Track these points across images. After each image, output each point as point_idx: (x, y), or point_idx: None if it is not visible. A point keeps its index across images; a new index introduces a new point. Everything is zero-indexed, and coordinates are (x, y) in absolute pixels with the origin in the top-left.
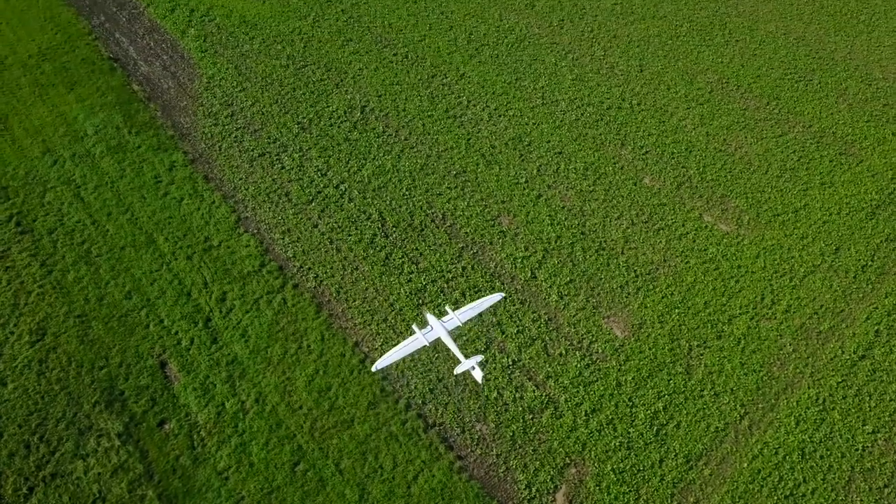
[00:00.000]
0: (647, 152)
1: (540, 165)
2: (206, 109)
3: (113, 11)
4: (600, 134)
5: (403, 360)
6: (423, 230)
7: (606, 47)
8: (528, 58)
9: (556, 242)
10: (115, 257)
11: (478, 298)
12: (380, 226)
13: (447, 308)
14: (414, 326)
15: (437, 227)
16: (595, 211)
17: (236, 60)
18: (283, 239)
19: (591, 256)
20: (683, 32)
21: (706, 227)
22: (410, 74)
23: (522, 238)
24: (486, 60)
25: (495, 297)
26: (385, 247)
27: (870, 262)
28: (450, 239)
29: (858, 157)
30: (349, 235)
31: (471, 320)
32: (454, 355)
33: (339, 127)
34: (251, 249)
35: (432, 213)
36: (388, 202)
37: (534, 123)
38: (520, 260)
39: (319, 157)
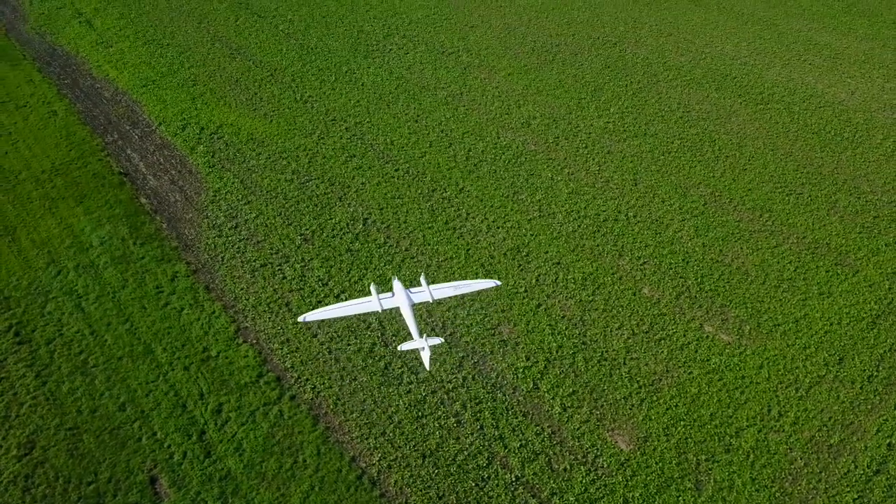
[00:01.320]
0: (644, 263)
1: (539, 275)
2: (211, 221)
3: (126, 129)
4: (598, 245)
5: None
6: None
7: (601, 162)
8: (524, 173)
9: (557, 352)
10: (111, 368)
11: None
12: (379, 335)
13: (421, 279)
14: (372, 287)
15: (437, 336)
16: (595, 321)
17: (242, 175)
18: (281, 349)
19: (593, 367)
20: (675, 149)
21: (707, 337)
22: (411, 189)
23: (523, 348)
24: (485, 175)
25: (489, 283)
26: (384, 356)
27: (875, 373)
28: (450, 348)
29: (854, 267)
30: (348, 345)
31: (456, 297)
32: (409, 330)
33: (341, 238)
34: (249, 360)
35: (432, 322)
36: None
37: (531, 235)
38: (521, 370)
39: (321, 266)
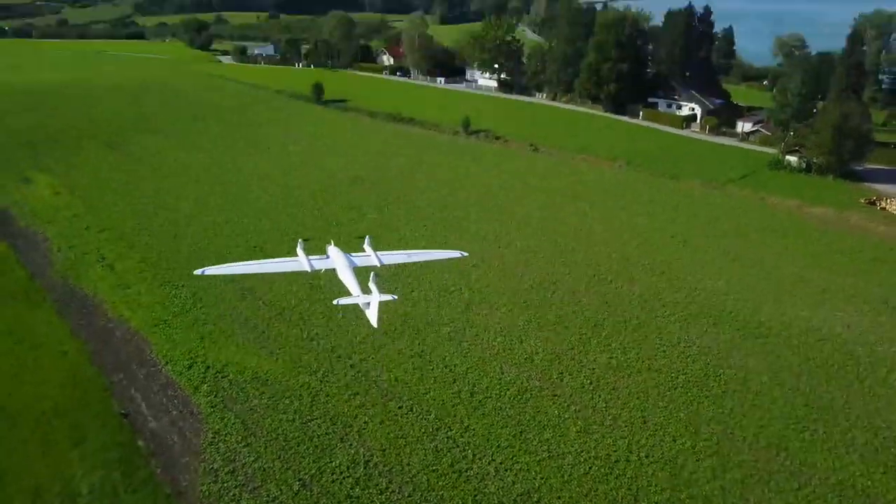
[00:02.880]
0: None
1: None
2: (208, 466)
3: (133, 369)
4: (611, 489)
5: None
6: None
7: (607, 399)
8: (531, 410)
9: None
10: None
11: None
12: None
13: (366, 245)
14: (299, 246)
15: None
16: None
17: (244, 415)
18: None
19: None
20: (680, 384)
21: None
22: (415, 427)
23: None
24: (490, 413)
25: (453, 254)
26: None
27: None
28: None
29: None
30: None
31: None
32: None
33: (340, 483)
34: None
35: None
36: None
37: (541, 478)
38: None
39: None
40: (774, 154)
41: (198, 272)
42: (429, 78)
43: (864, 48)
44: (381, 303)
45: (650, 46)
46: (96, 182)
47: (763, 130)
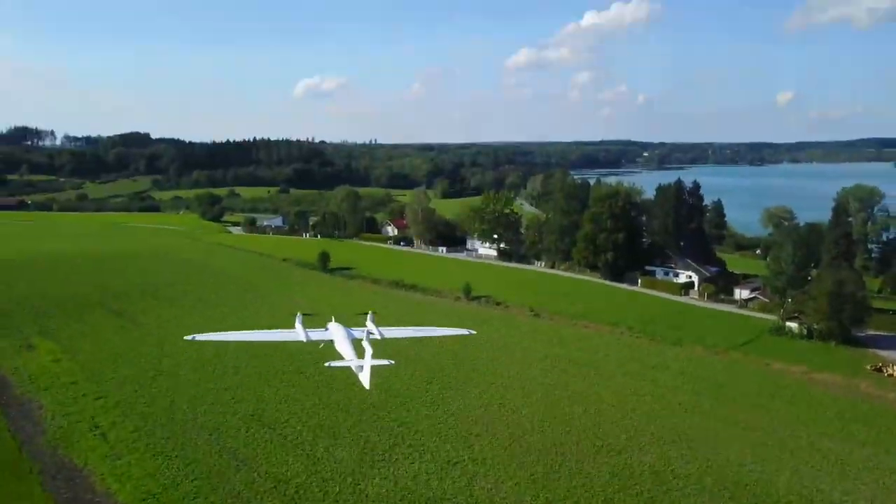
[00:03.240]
0: None
1: None
2: None
3: None
4: None
5: None
6: None
7: None
8: None
9: None
10: None
11: None
12: None
13: (368, 321)
14: (298, 319)
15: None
16: None
17: None
18: None
19: None
20: None
21: None
22: None
23: None
24: None
25: (461, 331)
26: None
27: None
28: None
29: None
30: None
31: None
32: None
33: None
34: None
35: None
36: None
37: None
38: None
39: None
40: (775, 320)
41: (188, 338)
42: (431, 247)
43: (850, 219)
44: (374, 367)
45: (644, 218)
46: (98, 348)
47: (760, 297)
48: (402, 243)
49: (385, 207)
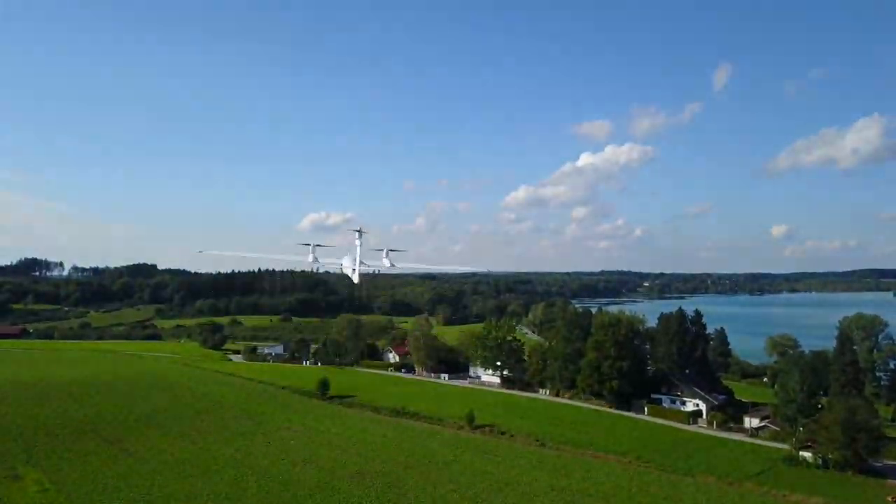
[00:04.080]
0: None
1: None
2: None
3: None
4: None
5: None
6: None
7: None
8: None
9: None
10: None
11: None
12: None
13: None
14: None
15: None
16: None
17: None
18: None
19: None
20: None
21: None
22: None
23: None
24: None
25: None
26: None
27: None
28: None
29: None
30: None
31: None
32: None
33: None
34: None
35: None
36: None
37: None
38: None
39: None
40: (787, 449)
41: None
42: (433, 374)
43: (855, 347)
44: None
45: (647, 346)
46: (86, 478)
47: (771, 426)
48: (403, 370)
49: (387, 334)
